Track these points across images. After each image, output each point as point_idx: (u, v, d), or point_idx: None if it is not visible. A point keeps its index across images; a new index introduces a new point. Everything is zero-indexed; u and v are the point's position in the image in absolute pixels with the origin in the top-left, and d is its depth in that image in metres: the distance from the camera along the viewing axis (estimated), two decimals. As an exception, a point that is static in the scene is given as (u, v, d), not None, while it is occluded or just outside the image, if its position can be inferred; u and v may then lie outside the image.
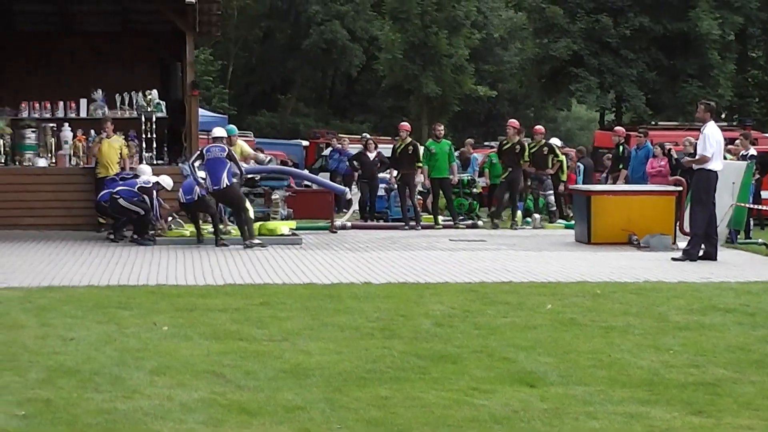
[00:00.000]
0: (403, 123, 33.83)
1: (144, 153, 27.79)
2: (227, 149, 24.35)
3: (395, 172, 31.90)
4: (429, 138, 37.20)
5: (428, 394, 9.94)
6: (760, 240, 26.98)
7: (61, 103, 28.43)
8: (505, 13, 72.09)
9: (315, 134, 45.57)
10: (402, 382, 10.44)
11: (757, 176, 27.52)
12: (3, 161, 26.37)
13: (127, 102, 28.24)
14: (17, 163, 27.17)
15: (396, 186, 31.75)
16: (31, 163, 27.25)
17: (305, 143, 49.26)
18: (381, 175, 33.36)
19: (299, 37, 63.12)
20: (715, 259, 22.16)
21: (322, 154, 38.15)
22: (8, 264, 18.05)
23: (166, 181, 24.55)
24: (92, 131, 27.20)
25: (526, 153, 30.63)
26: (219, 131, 25.04)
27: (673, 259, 22.14)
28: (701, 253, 22.18)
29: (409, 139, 31.47)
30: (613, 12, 59.20)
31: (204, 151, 24.18)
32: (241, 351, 11.88)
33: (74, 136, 27.68)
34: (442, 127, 33.20)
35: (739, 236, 26.83)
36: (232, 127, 30.84)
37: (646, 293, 16.96)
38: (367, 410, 9.28)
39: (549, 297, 16.45)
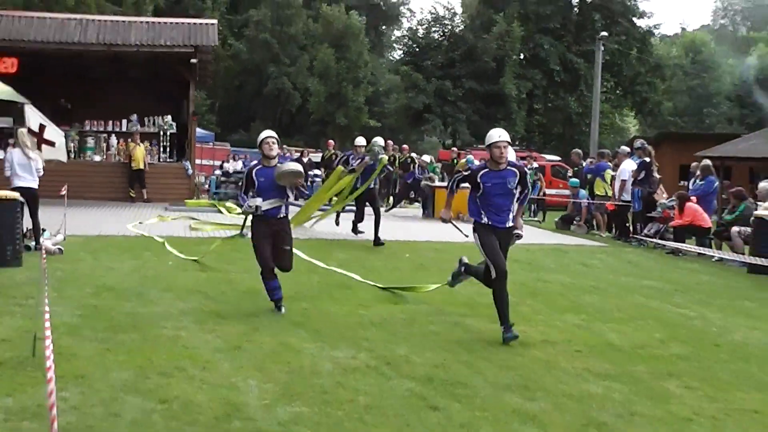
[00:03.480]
0: (329, 141, 34.37)
1: (161, 154, 27.96)
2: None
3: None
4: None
5: (332, 308, 9.97)
6: (537, 218, 27.34)
7: (111, 122, 28.49)
8: (388, 76, 72.10)
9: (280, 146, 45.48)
10: (316, 301, 10.46)
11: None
12: (73, 156, 26.10)
13: (152, 122, 28.44)
14: (81, 158, 27.31)
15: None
16: (90, 159, 27.47)
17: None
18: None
19: (261, 86, 62.96)
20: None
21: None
22: (75, 222, 17.78)
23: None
24: (129, 140, 27.28)
25: (397, 162, 30.65)
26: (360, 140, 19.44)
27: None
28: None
29: (333, 150, 31.76)
30: (453, 78, 59.59)
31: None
32: (218, 279, 11.84)
33: (117, 143, 28.02)
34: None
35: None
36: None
37: (469, 249, 17.05)
38: (294, 317, 9.29)
39: (408, 250, 16.51)
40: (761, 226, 16.23)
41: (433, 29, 66.33)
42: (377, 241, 17.08)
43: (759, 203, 17.65)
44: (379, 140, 18.11)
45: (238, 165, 33.18)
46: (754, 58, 73.15)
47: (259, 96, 63.51)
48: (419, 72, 61.78)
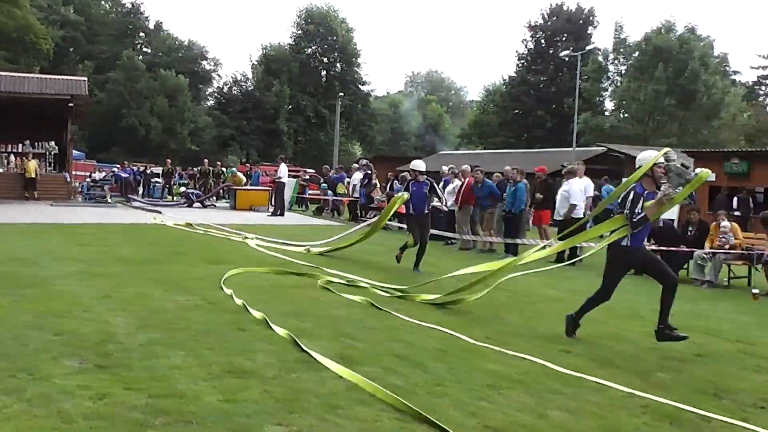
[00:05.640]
0: (167, 159, 32.93)
1: (48, 168, 26.10)
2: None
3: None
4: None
5: (172, 268, 9.58)
6: (302, 208, 26.97)
7: (10, 145, 26.21)
8: (204, 117, 69.45)
9: (124, 162, 42.83)
10: (168, 264, 10.01)
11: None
12: (-20, 170, 24.12)
13: (41, 146, 26.42)
14: (-13, 170, 24.86)
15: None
16: (-6, 170, 25.05)
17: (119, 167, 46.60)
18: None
19: (117, 123, 59.27)
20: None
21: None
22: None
23: None
24: (23, 158, 25.11)
25: (211, 174, 29.50)
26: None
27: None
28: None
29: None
30: (247, 119, 58.94)
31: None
32: (95, 250, 11.09)
33: (15, 159, 25.67)
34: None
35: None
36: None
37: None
38: (154, 275, 8.86)
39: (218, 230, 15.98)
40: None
41: (233, 88, 65.56)
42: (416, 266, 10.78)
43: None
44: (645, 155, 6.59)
45: (102, 174, 31.14)
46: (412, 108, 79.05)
47: (116, 129, 60.15)
48: (225, 115, 60.78)
